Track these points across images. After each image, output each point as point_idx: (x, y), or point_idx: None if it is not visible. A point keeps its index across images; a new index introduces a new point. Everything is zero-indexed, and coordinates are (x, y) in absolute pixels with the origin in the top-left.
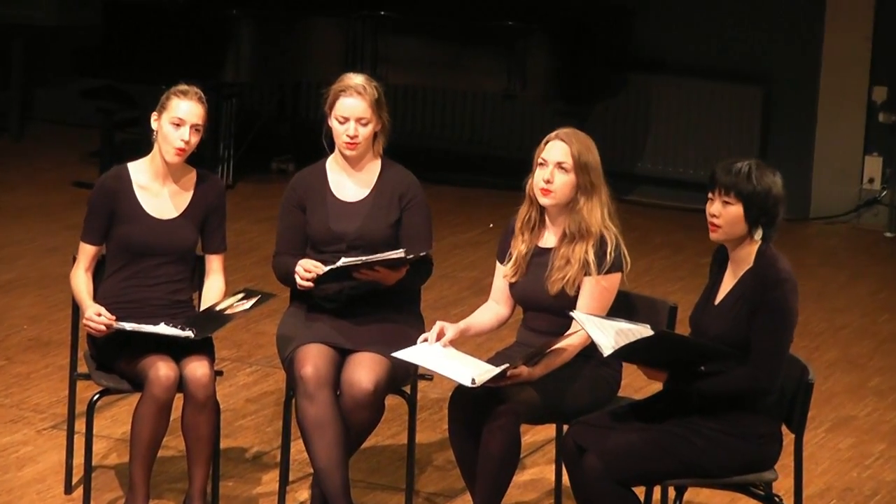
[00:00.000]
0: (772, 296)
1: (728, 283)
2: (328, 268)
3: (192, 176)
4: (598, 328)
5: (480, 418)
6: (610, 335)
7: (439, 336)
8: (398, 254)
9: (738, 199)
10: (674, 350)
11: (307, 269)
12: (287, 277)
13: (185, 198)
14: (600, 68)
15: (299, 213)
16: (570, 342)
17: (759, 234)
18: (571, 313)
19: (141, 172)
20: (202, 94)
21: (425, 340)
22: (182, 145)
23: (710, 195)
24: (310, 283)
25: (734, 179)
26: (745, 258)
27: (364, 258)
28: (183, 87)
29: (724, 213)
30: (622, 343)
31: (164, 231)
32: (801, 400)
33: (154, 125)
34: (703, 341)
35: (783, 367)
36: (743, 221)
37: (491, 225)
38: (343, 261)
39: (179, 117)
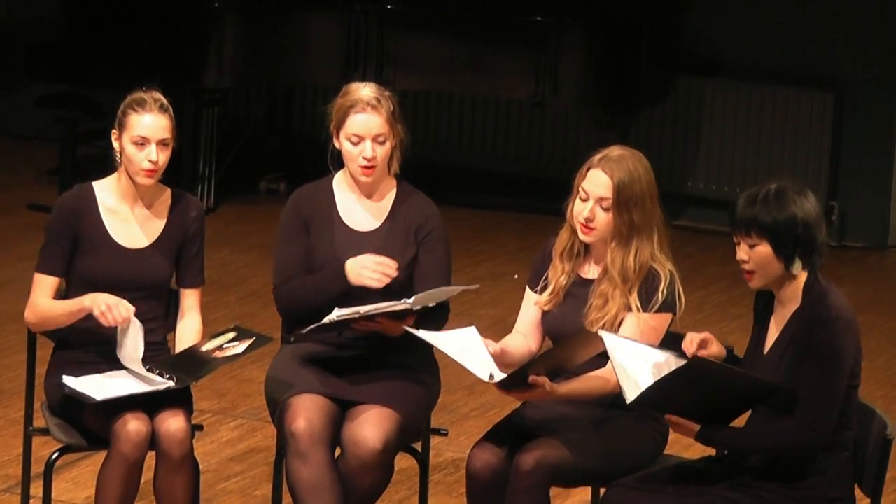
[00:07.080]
0: (819, 338)
1: (776, 328)
2: (316, 324)
3: (167, 198)
4: (628, 358)
5: (504, 480)
6: (644, 369)
7: None
8: (402, 305)
9: (763, 237)
10: (709, 387)
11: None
12: (303, 300)
13: (158, 224)
14: (645, 70)
15: (305, 234)
16: (604, 375)
17: (797, 268)
18: (599, 332)
19: (107, 193)
20: (164, 100)
21: None
22: (151, 166)
23: (734, 239)
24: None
25: (753, 213)
26: (791, 297)
27: (362, 309)
28: (138, 95)
29: (752, 255)
30: (654, 380)
31: (133, 262)
32: (878, 458)
33: (115, 144)
34: (748, 373)
35: (834, 419)
36: (775, 260)
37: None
38: (336, 313)
39: (142, 136)
